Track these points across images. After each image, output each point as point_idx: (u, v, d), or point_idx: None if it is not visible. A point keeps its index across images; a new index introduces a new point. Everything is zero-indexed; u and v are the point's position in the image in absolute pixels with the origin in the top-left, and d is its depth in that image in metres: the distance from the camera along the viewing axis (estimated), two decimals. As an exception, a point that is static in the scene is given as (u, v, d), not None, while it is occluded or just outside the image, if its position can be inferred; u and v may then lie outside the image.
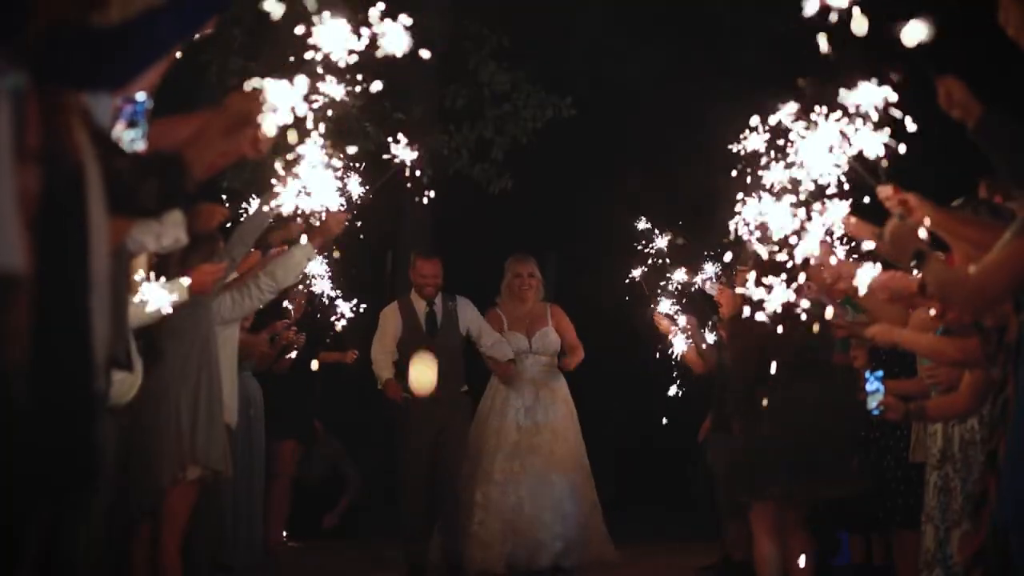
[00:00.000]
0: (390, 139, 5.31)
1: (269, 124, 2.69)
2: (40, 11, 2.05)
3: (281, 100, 2.72)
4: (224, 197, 7.19)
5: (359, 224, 6.46)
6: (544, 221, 11.50)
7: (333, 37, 3.16)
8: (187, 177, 2.46)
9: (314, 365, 8.20)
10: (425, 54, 3.29)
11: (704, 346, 8.02)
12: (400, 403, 7.62)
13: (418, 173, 5.25)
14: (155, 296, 4.93)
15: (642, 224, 8.25)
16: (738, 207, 4.67)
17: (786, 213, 4.41)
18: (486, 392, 7.84)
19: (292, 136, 3.15)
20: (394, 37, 3.21)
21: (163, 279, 5.08)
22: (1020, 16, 3.32)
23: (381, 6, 3.22)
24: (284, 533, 8.79)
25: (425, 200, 7.70)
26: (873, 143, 3.87)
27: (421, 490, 7.53)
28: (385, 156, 5.31)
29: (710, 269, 8.33)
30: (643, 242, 8.26)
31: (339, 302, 8.36)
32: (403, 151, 5.22)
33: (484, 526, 7.43)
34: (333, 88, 3.37)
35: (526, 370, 7.77)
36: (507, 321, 7.87)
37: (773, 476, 5.65)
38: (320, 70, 3.21)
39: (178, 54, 2.83)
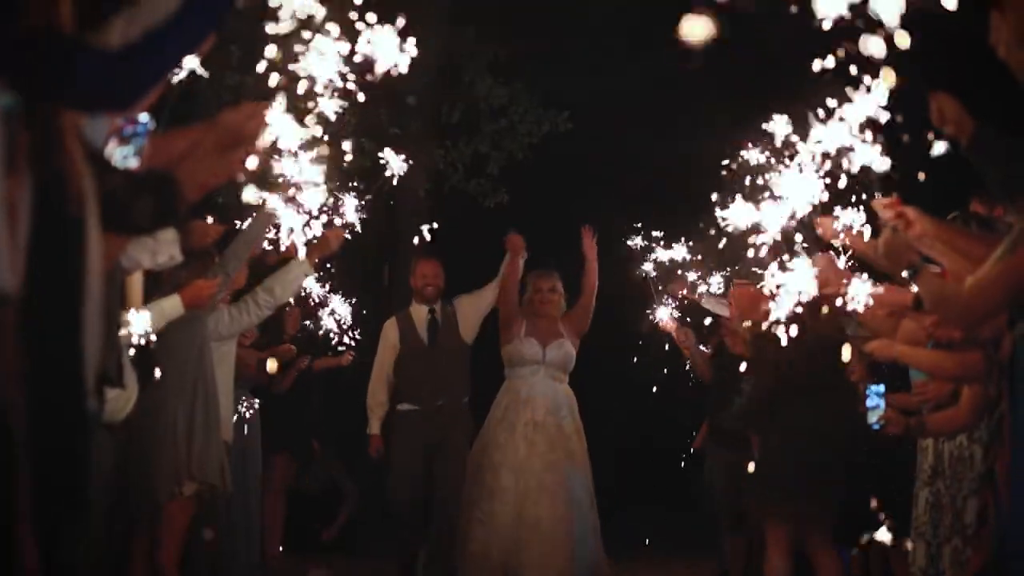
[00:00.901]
0: (385, 150, 5.33)
1: (262, 141, 2.69)
2: (30, 15, 2.05)
3: (275, 119, 2.73)
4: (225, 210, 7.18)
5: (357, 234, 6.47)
6: (541, 233, 11.47)
7: (326, 53, 3.16)
8: (180, 196, 2.45)
9: (271, 366, 7.92)
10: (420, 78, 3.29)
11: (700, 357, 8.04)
12: (376, 459, 7.62)
13: (405, 165, 5.26)
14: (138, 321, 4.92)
15: (638, 240, 8.24)
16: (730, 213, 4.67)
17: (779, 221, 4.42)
18: (495, 405, 7.48)
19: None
20: (388, 47, 3.21)
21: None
22: (1011, 36, 3.33)
23: (374, 19, 3.23)
24: (280, 547, 8.78)
25: (427, 233, 7.62)
26: (868, 155, 3.86)
27: (416, 502, 7.36)
28: (379, 165, 5.33)
29: (710, 281, 8.34)
30: (639, 257, 8.27)
31: (334, 312, 8.38)
32: (394, 160, 5.24)
33: (482, 543, 7.08)
34: (328, 104, 3.38)
35: (538, 383, 7.40)
36: (525, 327, 7.53)
37: (790, 494, 5.65)
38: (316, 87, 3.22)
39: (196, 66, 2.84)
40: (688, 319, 8.47)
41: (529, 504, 7.06)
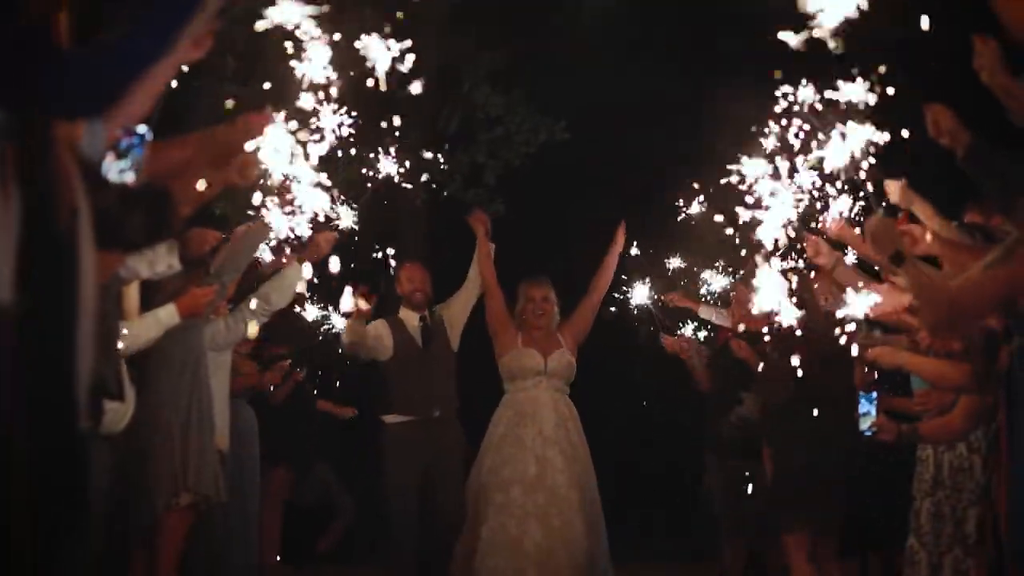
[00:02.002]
0: (379, 154, 5.32)
1: (256, 156, 2.69)
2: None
3: (271, 132, 2.73)
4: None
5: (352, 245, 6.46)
6: (538, 240, 11.50)
7: (319, 62, 3.17)
8: (173, 211, 2.45)
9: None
10: (416, 87, 3.28)
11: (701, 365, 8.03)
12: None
13: (399, 167, 5.25)
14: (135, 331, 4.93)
15: (633, 250, 8.18)
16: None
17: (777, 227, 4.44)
18: (495, 421, 7.04)
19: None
20: (379, 52, 3.21)
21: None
22: (993, 61, 3.34)
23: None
24: (277, 556, 8.77)
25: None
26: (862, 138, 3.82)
27: (411, 517, 7.03)
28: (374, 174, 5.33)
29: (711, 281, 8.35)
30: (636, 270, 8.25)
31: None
32: (388, 165, 5.23)
33: (488, 562, 6.61)
34: (325, 116, 3.38)
35: (541, 395, 6.97)
36: (521, 337, 7.15)
37: (806, 501, 5.66)
38: (311, 97, 3.23)
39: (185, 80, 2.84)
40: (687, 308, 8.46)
41: (555, 522, 6.61)
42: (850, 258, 4.87)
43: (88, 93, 2.18)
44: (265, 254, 5.96)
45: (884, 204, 3.89)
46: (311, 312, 8.72)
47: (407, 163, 5.61)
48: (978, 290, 3.25)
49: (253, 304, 6.16)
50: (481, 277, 7.36)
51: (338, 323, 8.72)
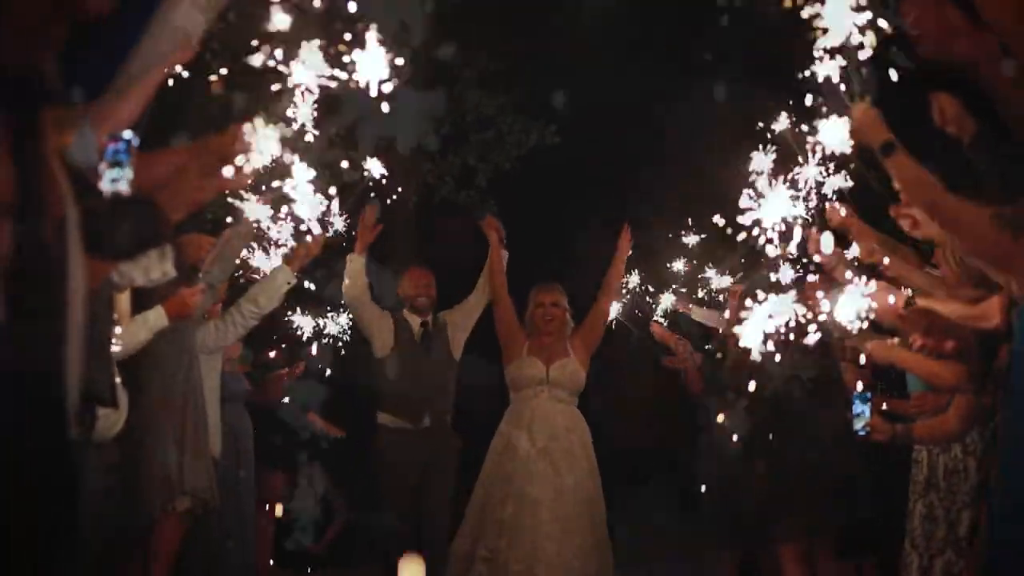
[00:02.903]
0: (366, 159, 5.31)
1: (249, 163, 2.68)
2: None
3: (263, 140, 2.71)
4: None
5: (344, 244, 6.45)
6: (534, 241, 11.47)
7: (309, 65, 3.15)
8: (162, 220, 2.43)
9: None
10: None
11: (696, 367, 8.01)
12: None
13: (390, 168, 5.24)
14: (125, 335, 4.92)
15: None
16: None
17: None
18: (498, 432, 6.88)
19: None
20: (369, 64, 3.19)
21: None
22: (955, 113, 3.33)
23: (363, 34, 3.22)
24: (271, 560, 8.76)
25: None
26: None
27: (407, 521, 7.02)
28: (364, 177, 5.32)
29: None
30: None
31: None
32: (373, 166, 5.22)
33: None
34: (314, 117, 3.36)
35: (541, 405, 6.80)
36: (528, 346, 7.00)
37: (809, 503, 5.65)
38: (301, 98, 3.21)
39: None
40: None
41: (531, 537, 6.49)
42: (850, 252, 4.86)
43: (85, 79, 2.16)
44: (258, 256, 5.96)
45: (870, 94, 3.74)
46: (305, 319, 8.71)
47: (397, 165, 5.59)
48: (974, 223, 3.18)
49: (242, 308, 6.14)
50: (490, 285, 7.27)
51: (332, 328, 8.72)
